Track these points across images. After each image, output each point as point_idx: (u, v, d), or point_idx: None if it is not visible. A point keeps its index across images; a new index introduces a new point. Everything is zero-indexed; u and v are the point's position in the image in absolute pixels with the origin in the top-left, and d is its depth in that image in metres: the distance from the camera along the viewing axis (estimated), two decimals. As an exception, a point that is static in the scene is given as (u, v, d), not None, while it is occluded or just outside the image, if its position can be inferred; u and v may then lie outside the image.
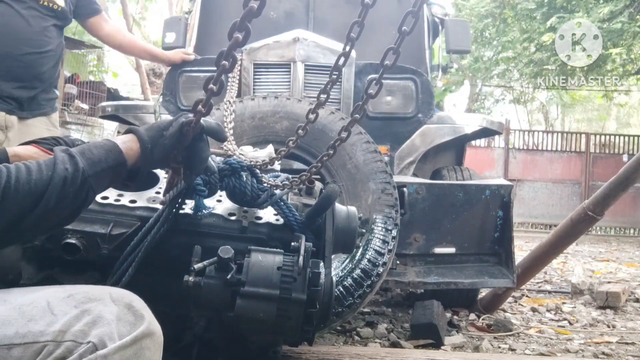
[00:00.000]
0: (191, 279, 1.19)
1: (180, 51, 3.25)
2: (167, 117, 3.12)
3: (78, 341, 0.83)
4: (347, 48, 1.33)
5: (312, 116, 1.45)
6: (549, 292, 4.20)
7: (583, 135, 13.70)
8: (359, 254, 2.14)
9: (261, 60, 2.93)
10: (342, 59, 1.35)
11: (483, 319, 3.05)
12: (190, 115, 1.11)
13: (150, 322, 0.90)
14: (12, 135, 2.46)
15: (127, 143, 1.06)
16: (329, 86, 1.42)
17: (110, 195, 1.38)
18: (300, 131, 1.49)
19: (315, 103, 1.43)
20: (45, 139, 1.43)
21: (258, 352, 1.44)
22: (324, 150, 1.47)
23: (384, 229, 2.20)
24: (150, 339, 0.89)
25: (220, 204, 1.42)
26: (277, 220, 1.41)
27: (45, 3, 2.47)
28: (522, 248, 6.99)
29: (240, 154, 1.86)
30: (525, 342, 2.67)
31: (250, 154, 1.86)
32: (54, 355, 0.82)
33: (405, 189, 2.46)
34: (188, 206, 1.35)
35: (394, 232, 2.21)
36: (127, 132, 1.12)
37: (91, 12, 2.77)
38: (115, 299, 0.91)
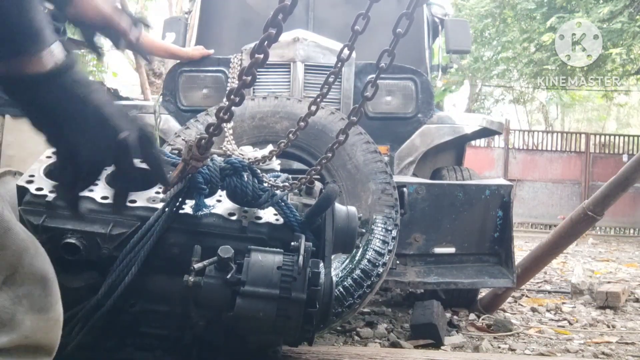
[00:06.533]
0: (191, 278, 1.19)
1: (199, 48, 3.24)
2: (166, 117, 3.12)
3: None
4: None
5: (313, 108, 1.46)
6: (549, 292, 4.19)
7: (583, 135, 13.70)
8: (359, 254, 2.14)
9: None
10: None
11: (483, 319, 3.04)
12: None
13: None
14: (7, 132, 2.46)
15: None
16: (330, 79, 1.43)
17: (110, 195, 1.37)
18: (301, 123, 1.49)
19: (318, 94, 1.45)
20: None
21: (258, 352, 1.44)
22: (323, 150, 1.48)
23: (383, 229, 2.20)
24: None
25: (220, 203, 1.42)
26: (277, 220, 1.40)
27: None
28: (522, 248, 6.99)
29: (240, 153, 1.86)
30: (525, 342, 2.67)
31: (250, 154, 1.85)
32: None
33: (405, 189, 2.46)
34: (188, 205, 1.35)
35: (394, 233, 2.20)
36: None
37: None
38: None
